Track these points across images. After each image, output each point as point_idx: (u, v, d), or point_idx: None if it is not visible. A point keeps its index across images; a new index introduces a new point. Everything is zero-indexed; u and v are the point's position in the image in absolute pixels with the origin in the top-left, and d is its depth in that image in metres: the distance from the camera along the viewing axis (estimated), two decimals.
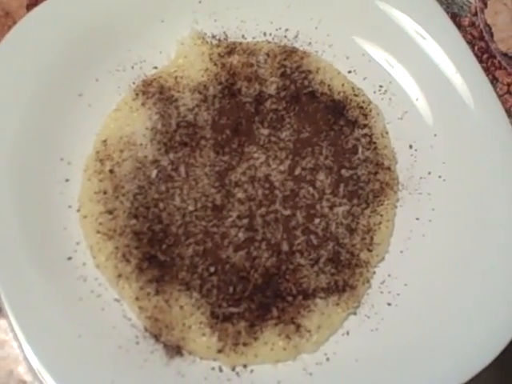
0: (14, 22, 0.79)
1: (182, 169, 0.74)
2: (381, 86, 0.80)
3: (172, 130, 0.75)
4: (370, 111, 0.79)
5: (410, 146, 0.78)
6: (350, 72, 0.80)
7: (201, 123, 0.76)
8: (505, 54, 0.84)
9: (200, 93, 0.77)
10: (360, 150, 0.76)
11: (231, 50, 0.79)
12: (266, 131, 0.76)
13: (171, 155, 0.74)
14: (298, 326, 0.69)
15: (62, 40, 0.75)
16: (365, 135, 0.77)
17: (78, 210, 0.72)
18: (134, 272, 0.70)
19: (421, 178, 0.77)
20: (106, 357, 0.66)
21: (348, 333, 0.71)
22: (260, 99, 0.77)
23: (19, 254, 0.68)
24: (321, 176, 0.75)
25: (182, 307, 0.69)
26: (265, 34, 0.81)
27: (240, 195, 0.73)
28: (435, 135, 0.77)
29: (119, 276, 0.70)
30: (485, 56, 0.86)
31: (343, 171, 0.75)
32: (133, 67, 0.78)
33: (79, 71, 0.76)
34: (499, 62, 0.85)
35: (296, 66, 0.79)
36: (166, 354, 0.68)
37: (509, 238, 0.71)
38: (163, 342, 0.68)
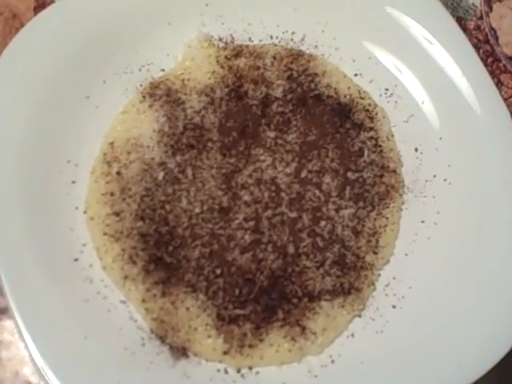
0: (22, 25, 0.80)
1: (189, 171, 0.74)
2: (387, 89, 0.80)
3: (179, 132, 0.76)
4: (376, 114, 0.79)
5: (416, 149, 0.78)
6: (356, 75, 0.81)
7: (208, 125, 0.76)
8: (510, 58, 0.85)
9: (207, 95, 0.77)
10: (366, 152, 0.77)
11: (238, 52, 0.79)
12: (272, 134, 0.76)
13: (178, 157, 0.74)
14: (304, 328, 0.70)
15: (69, 42, 0.75)
16: (371, 138, 0.78)
17: (85, 212, 0.73)
18: (140, 274, 0.70)
19: (426, 180, 0.77)
20: (111, 358, 0.66)
21: (353, 335, 0.71)
22: (266, 102, 0.77)
23: (26, 255, 0.68)
24: (327, 178, 0.75)
25: (187, 309, 0.69)
26: (271, 37, 0.81)
27: (246, 197, 0.73)
28: (441, 138, 0.77)
29: (125, 278, 0.70)
30: (490, 59, 0.86)
31: (349, 174, 0.76)
32: (140, 69, 0.78)
33: (86, 73, 0.76)
34: (504, 65, 0.85)
35: (302, 68, 0.79)
36: (171, 355, 0.68)
37: None
38: (169, 344, 0.68)
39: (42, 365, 0.64)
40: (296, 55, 0.80)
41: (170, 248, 0.71)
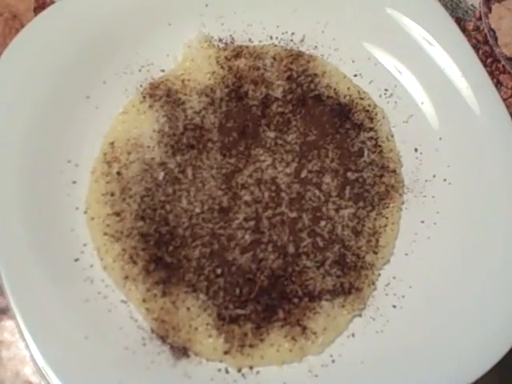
0: (22, 25, 0.80)
1: (189, 171, 0.74)
2: (386, 90, 0.80)
3: (179, 132, 0.76)
4: (376, 114, 0.79)
5: (415, 150, 0.78)
6: (355, 76, 0.81)
7: (208, 126, 0.76)
8: (509, 59, 0.85)
9: (207, 96, 0.77)
10: (366, 152, 0.77)
11: (238, 53, 0.80)
12: (272, 134, 0.76)
13: (178, 157, 0.75)
14: (304, 328, 0.70)
15: (69, 43, 0.75)
16: (370, 138, 0.78)
17: (86, 212, 0.73)
18: (140, 274, 0.70)
19: (426, 181, 0.77)
20: (112, 358, 0.66)
21: (353, 335, 0.71)
22: (266, 102, 0.78)
23: (26, 255, 0.68)
24: (327, 179, 0.75)
25: (188, 309, 0.69)
26: (271, 38, 0.82)
27: (246, 197, 0.73)
28: (440, 139, 0.78)
29: (126, 278, 0.70)
30: (489, 60, 0.87)
31: (349, 174, 0.76)
32: (140, 70, 0.79)
33: (87, 74, 0.76)
34: (503, 66, 0.86)
35: (302, 69, 0.80)
36: (172, 355, 0.68)
37: None
38: (170, 344, 0.68)
39: (42, 365, 0.64)
40: (296, 56, 0.80)
41: (171, 248, 0.71)
